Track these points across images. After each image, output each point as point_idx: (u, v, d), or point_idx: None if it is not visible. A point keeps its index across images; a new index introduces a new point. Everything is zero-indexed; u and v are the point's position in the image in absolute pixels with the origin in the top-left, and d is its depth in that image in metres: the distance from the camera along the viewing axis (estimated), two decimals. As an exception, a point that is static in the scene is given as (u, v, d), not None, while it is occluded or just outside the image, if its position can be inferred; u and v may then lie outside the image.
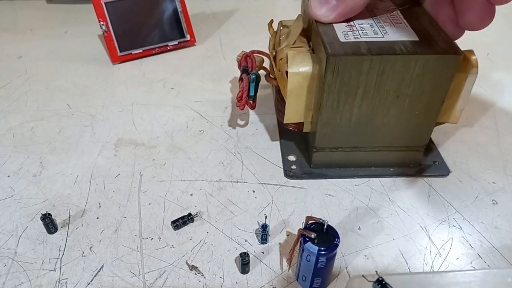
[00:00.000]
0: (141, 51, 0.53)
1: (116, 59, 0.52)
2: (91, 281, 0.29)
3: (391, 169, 0.37)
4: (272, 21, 0.39)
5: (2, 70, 0.51)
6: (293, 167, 0.37)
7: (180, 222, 0.32)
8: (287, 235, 0.32)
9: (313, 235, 0.26)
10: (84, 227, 0.32)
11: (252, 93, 0.39)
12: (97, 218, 0.33)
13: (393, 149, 0.35)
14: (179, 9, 0.54)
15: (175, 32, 0.54)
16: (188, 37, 0.55)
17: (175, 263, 0.30)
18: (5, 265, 0.30)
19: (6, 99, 0.46)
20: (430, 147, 0.39)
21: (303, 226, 0.27)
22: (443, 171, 0.37)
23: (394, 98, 0.31)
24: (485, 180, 0.37)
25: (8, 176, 0.37)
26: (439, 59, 0.29)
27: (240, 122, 0.43)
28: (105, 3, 0.50)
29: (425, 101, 0.32)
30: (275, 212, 0.34)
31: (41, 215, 0.31)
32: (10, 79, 0.50)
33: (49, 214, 0.31)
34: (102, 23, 0.51)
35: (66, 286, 0.28)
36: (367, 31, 0.31)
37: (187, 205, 0.34)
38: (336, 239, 0.26)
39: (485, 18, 0.30)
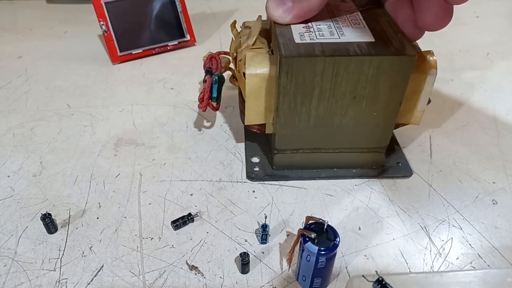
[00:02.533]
0: (141, 51, 0.53)
1: (116, 59, 0.52)
2: (91, 281, 0.29)
3: (354, 171, 0.36)
4: (235, 21, 0.39)
5: (2, 70, 0.51)
6: (256, 168, 0.37)
7: (180, 222, 0.32)
8: (287, 235, 0.32)
9: (313, 235, 0.26)
10: (84, 227, 0.32)
11: (215, 95, 0.39)
12: (97, 218, 0.33)
13: (354, 150, 0.35)
14: (179, 9, 0.54)
15: (175, 32, 0.54)
16: (188, 37, 0.55)
17: (175, 263, 0.30)
18: (5, 265, 0.30)
19: (6, 99, 0.46)
20: (393, 148, 0.39)
21: (303, 226, 0.27)
22: (406, 172, 0.37)
23: (351, 100, 0.31)
24: (485, 180, 0.37)
25: (8, 176, 0.37)
26: (393, 60, 0.29)
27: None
28: (105, 3, 0.50)
29: (382, 102, 0.32)
30: (275, 212, 0.34)
31: (41, 215, 0.31)
32: (10, 79, 0.50)
33: (49, 214, 0.31)
34: (102, 23, 0.51)
35: (66, 286, 0.28)
36: (324, 32, 0.31)
37: (187, 205, 0.34)
38: (336, 239, 0.26)
39: (443, 18, 0.30)
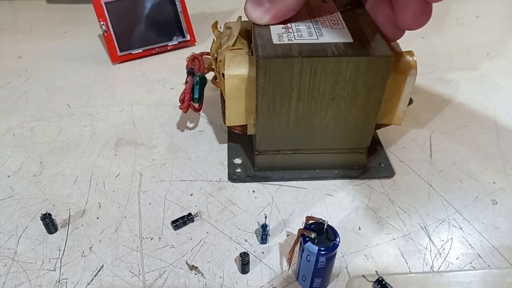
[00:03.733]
0: (141, 51, 0.53)
1: (116, 59, 0.52)
2: (91, 281, 0.29)
3: (336, 171, 0.36)
4: (216, 22, 0.39)
5: (2, 70, 0.51)
6: (238, 170, 0.37)
7: (180, 222, 0.32)
8: (287, 235, 0.32)
9: (313, 235, 0.26)
10: (84, 227, 0.32)
11: (196, 96, 0.38)
12: (97, 218, 0.33)
13: (335, 151, 0.35)
14: (179, 9, 0.54)
15: (175, 32, 0.54)
16: (188, 37, 0.55)
17: (175, 263, 0.30)
18: (5, 265, 0.30)
19: (6, 99, 0.46)
20: (376, 149, 0.39)
21: (303, 226, 0.27)
22: (388, 173, 0.37)
23: (330, 100, 0.31)
24: (485, 180, 0.37)
25: (8, 176, 0.37)
26: (370, 61, 0.29)
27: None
28: (105, 3, 0.50)
29: (362, 103, 0.32)
30: (275, 212, 0.34)
31: (41, 215, 0.31)
32: (10, 79, 0.50)
33: (49, 214, 0.31)
34: (102, 23, 0.51)
35: (66, 286, 0.28)
36: (303, 32, 0.31)
37: (187, 205, 0.34)
38: (336, 239, 0.26)
39: (421, 17, 0.30)
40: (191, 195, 0.35)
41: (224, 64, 0.32)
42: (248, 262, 0.29)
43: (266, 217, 0.33)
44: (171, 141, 0.41)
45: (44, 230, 0.32)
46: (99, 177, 0.37)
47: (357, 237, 0.32)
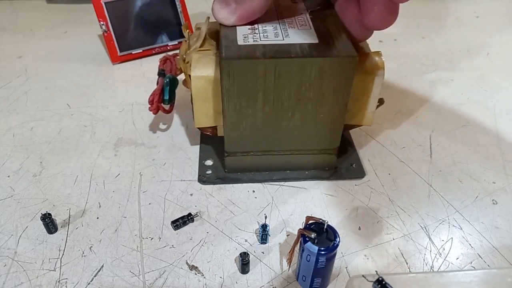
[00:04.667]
0: (141, 51, 0.53)
1: (116, 59, 0.52)
2: (91, 281, 0.29)
3: (306, 172, 0.36)
4: (187, 23, 0.38)
5: (2, 70, 0.51)
6: (208, 172, 0.37)
7: (180, 222, 0.32)
8: (287, 235, 0.32)
9: (313, 235, 0.26)
10: (84, 227, 0.32)
11: (166, 97, 0.38)
12: (97, 218, 0.33)
13: (305, 152, 0.35)
14: (179, 9, 0.54)
15: (175, 32, 0.54)
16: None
17: (175, 263, 0.30)
18: (5, 265, 0.30)
19: (6, 99, 0.46)
20: (347, 150, 0.39)
21: (303, 226, 0.27)
22: (359, 174, 0.37)
23: (296, 102, 0.31)
24: (485, 180, 0.37)
25: (8, 176, 0.37)
26: (334, 62, 0.29)
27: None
28: (105, 3, 0.50)
29: (328, 104, 0.31)
30: (275, 212, 0.34)
31: (41, 215, 0.31)
32: (10, 79, 0.50)
33: (49, 214, 0.31)
34: (102, 23, 0.51)
35: (66, 286, 0.28)
36: (269, 33, 0.31)
37: (187, 205, 0.34)
38: (336, 239, 0.26)
39: (387, 17, 0.30)
40: (191, 195, 0.35)
41: (191, 66, 0.32)
42: (248, 262, 0.29)
43: (266, 217, 0.33)
44: (171, 141, 0.41)
45: (44, 230, 0.32)
46: (99, 177, 0.37)
47: (357, 237, 0.32)
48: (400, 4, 0.30)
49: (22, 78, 0.50)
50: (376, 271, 0.21)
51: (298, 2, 0.35)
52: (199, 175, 0.36)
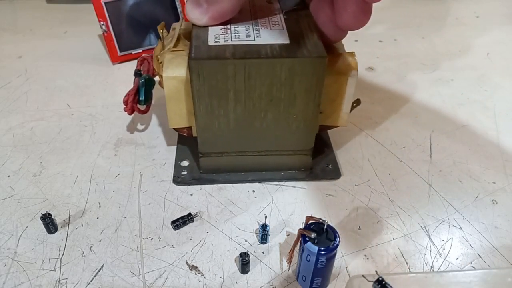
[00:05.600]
0: (141, 51, 0.53)
1: (116, 59, 0.52)
2: (91, 281, 0.29)
3: (282, 173, 0.36)
4: (163, 23, 0.37)
5: (2, 70, 0.51)
6: (184, 172, 0.37)
7: (180, 222, 0.32)
8: (287, 235, 0.32)
9: (313, 235, 0.26)
10: (84, 227, 0.32)
11: (142, 97, 0.38)
12: (97, 218, 0.33)
13: (280, 153, 0.35)
14: (179, 9, 0.54)
15: (175, 32, 0.54)
16: (188, 37, 0.55)
17: (175, 263, 0.30)
18: (5, 265, 0.30)
19: (6, 99, 0.46)
20: (324, 151, 0.39)
21: (303, 226, 0.27)
22: (334, 175, 0.37)
23: (268, 102, 0.31)
24: (485, 180, 0.37)
25: (8, 176, 0.37)
26: (304, 62, 0.29)
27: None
28: (105, 3, 0.50)
29: (301, 104, 0.31)
30: (275, 212, 0.34)
31: (41, 215, 0.31)
32: (10, 79, 0.50)
33: (49, 214, 0.31)
34: (102, 23, 0.51)
35: (66, 286, 0.28)
36: (240, 34, 0.31)
37: (187, 205, 0.34)
38: (336, 239, 0.26)
39: (360, 17, 0.30)
40: (191, 195, 0.35)
41: (163, 66, 0.32)
42: (248, 262, 0.29)
43: (266, 217, 0.33)
44: (171, 141, 0.41)
45: (44, 230, 0.32)
46: (99, 177, 0.37)
47: (357, 237, 0.32)
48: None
49: (22, 78, 0.50)
50: (376, 271, 0.21)
51: (273, 2, 0.35)
52: (174, 176, 0.36)
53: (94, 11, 0.50)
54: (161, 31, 0.36)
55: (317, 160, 0.37)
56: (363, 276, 0.21)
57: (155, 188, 0.36)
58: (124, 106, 0.38)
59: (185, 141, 0.39)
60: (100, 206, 0.34)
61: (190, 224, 0.33)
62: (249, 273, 0.29)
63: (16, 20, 0.64)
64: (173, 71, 0.31)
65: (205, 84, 0.30)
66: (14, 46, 0.57)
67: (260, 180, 0.36)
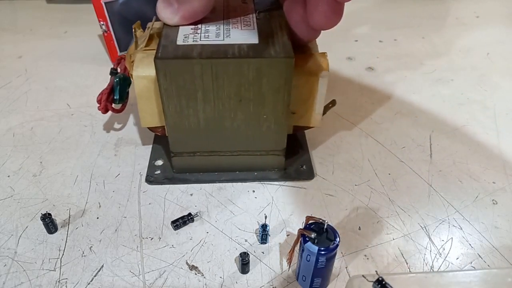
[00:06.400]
0: (141, 51, 0.53)
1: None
2: (91, 281, 0.29)
3: (255, 173, 0.36)
4: (139, 22, 0.37)
5: (2, 70, 0.51)
6: (157, 172, 0.36)
7: (180, 222, 0.32)
8: (287, 235, 0.32)
9: (313, 235, 0.26)
10: (84, 227, 0.32)
11: (116, 97, 0.38)
12: (97, 218, 0.33)
13: (252, 153, 0.35)
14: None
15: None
16: (188, 37, 0.55)
17: (175, 263, 0.30)
18: (5, 265, 0.30)
19: (6, 99, 0.46)
20: (299, 151, 0.39)
21: (303, 226, 0.27)
22: (308, 175, 0.36)
23: (237, 102, 0.31)
24: (485, 180, 0.37)
25: (8, 176, 0.37)
26: (271, 62, 0.29)
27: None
28: (105, 3, 0.50)
29: (270, 105, 0.31)
30: (275, 212, 0.34)
31: (41, 215, 0.31)
32: (10, 79, 0.50)
33: (49, 214, 0.31)
34: (102, 23, 0.51)
35: (66, 286, 0.28)
36: (210, 34, 0.31)
37: (187, 205, 0.34)
38: (336, 239, 0.26)
39: (331, 16, 0.29)
40: (191, 195, 0.35)
41: (133, 65, 0.32)
42: (248, 262, 0.29)
43: (266, 217, 0.33)
44: (171, 141, 0.41)
45: (44, 230, 0.32)
46: (99, 177, 0.37)
47: (357, 237, 0.32)
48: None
49: (22, 78, 0.50)
50: (376, 271, 0.21)
51: (248, 3, 0.35)
52: (147, 175, 0.36)
53: (94, 11, 0.50)
54: (138, 30, 0.36)
55: (291, 160, 0.37)
56: (363, 276, 0.21)
57: (155, 188, 0.36)
58: (98, 105, 0.38)
59: (161, 140, 0.39)
60: (100, 206, 0.34)
61: (190, 224, 0.33)
62: (249, 273, 0.29)
63: (16, 20, 0.64)
64: (143, 70, 0.31)
65: (172, 84, 0.30)
66: (14, 46, 0.57)
67: (233, 180, 0.36)
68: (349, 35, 0.60)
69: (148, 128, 0.35)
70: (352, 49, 0.56)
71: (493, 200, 0.35)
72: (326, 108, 0.37)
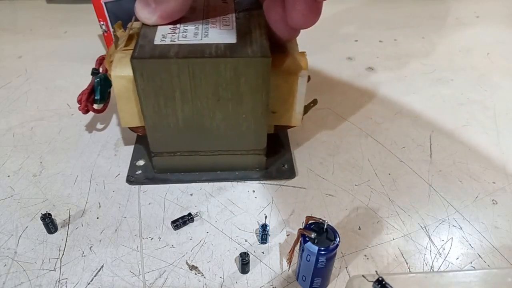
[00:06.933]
0: (141, 51, 0.53)
1: (116, 59, 0.52)
2: (91, 281, 0.29)
3: (236, 173, 0.36)
4: (120, 22, 0.37)
5: (2, 70, 0.51)
6: (138, 172, 0.36)
7: (180, 222, 0.32)
8: (287, 235, 0.32)
9: (313, 235, 0.26)
10: (84, 227, 0.32)
11: (97, 97, 0.38)
12: (97, 218, 0.33)
13: (232, 153, 0.35)
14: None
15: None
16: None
17: (175, 263, 0.30)
18: (5, 265, 0.30)
19: (6, 99, 0.46)
20: (280, 151, 0.39)
21: (303, 226, 0.27)
22: (289, 175, 0.36)
23: (215, 102, 0.31)
24: (485, 180, 0.37)
25: (8, 176, 0.37)
26: (248, 62, 0.29)
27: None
28: (105, 3, 0.50)
29: (248, 104, 0.31)
30: (275, 212, 0.34)
31: (41, 215, 0.31)
32: (10, 79, 0.50)
33: (49, 214, 0.31)
34: (102, 23, 0.51)
35: (66, 286, 0.28)
36: (188, 33, 0.31)
37: (187, 205, 0.34)
38: (336, 239, 0.26)
39: (309, 15, 0.29)
40: (191, 195, 0.35)
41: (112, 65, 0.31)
42: (248, 262, 0.29)
43: (266, 217, 0.33)
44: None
45: (44, 230, 0.32)
46: (99, 177, 0.37)
47: (357, 237, 0.32)
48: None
49: (22, 78, 0.50)
50: (376, 271, 0.21)
51: (228, 2, 0.35)
52: (127, 175, 0.36)
53: (94, 11, 0.50)
54: (120, 30, 0.35)
55: (273, 159, 0.37)
56: (363, 276, 0.21)
57: (155, 188, 0.36)
58: (78, 105, 0.38)
59: (143, 140, 0.39)
60: (100, 206, 0.34)
61: (190, 224, 0.33)
62: (249, 273, 0.29)
63: (16, 20, 0.64)
64: (122, 70, 0.31)
65: (149, 84, 0.30)
66: (14, 46, 0.57)
67: (214, 180, 0.36)
68: (349, 35, 0.60)
69: (129, 128, 0.35)
70: (352, 49, 0.56)
71: (493, 200, 0.35)
72: (308, 107, 0.37)
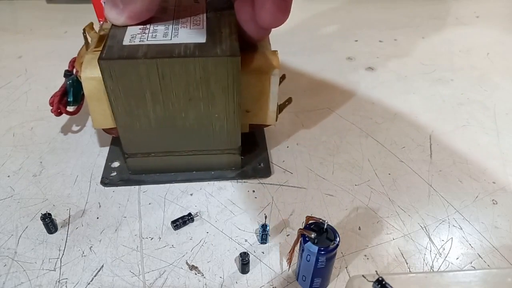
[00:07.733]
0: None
1: (116, 59, 0.52)
2: (91, 281, 0.29)
3: (212, 173, 0.36)
4: (91, 23, 0.36)
5: (2, 70, 0.51)
6: (113, 174, 0.36)
7: (180, 222, 0.32)
8: (287, 235, 0.32)
9: (313, 235, 0.26)
10: (84, 227, 0.32)
11: (70, 99, 0.37)
12: (97, 218, 0.33)
13: (207, 152, 0.35)
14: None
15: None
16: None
17: (175, 263, 0.30)
18: (5, 265, 0.30)
19: (6, 99, 0.46)
20: (256, 149, 0.39)
21: (303, 226, 0.27)
22: (264, 173, 0.37)
23: (187, 102, 0.31)
24: (485, 180, 0.37)
25: (8, 176, 0.37)
26: (217, 61, 0.29)
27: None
28: (105, 3, 0.50)
29: (220, 104, 0.31)
30: (275, 212, 0.34)
31: (41, 215, 0.31)
32: (10, 79, 0.50)
33: (49, 214, 0.31)
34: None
35: (66, 286, 0.28)
36: (158, 33, 0.30)
37: (187, 205, 0.34)
38: (336, 239, 0.26)
39: (277, 14, 0.29)
40: (191, 195, 0.35)
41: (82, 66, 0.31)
42: (248, 262, 0.29)
43: (266, 217, 0.33)
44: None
45: (44, 230, 0.32)
46: (99, 177, 0.37)
47: (357, 237, 0.32)
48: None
49: (22, 78, 0.50)
50: (376, 271, 0.21)
51: (200, 2, 0.35)
52: (102, 177, 0.36)
53: (94, 11, 0.50)
54: (92, 31, 0.35)
55: (249, 158, 0.37)
56: (363, 276, 0.21)
57: (155, 188, 0.36)
58: (51, 108, 0.37)
59: (118, 142, 0.38)
60: (100, 206, 0.34)
61: (190, 224, 0.33)
62: (249, 273, 0.29)
63: (16, 20, 0.64)
64: (91, 72, 0.31)
65: (118, 85, 0.29)
66: (14, 46, 0.57)
67: (190, 180, 0.36)
68: (349, 35, 0.60)
69: (103, 129, 0.35)
70: (352, 49, 0.56)
71: (493, 200, 0.35)
72: (283, 106, 0.37)
